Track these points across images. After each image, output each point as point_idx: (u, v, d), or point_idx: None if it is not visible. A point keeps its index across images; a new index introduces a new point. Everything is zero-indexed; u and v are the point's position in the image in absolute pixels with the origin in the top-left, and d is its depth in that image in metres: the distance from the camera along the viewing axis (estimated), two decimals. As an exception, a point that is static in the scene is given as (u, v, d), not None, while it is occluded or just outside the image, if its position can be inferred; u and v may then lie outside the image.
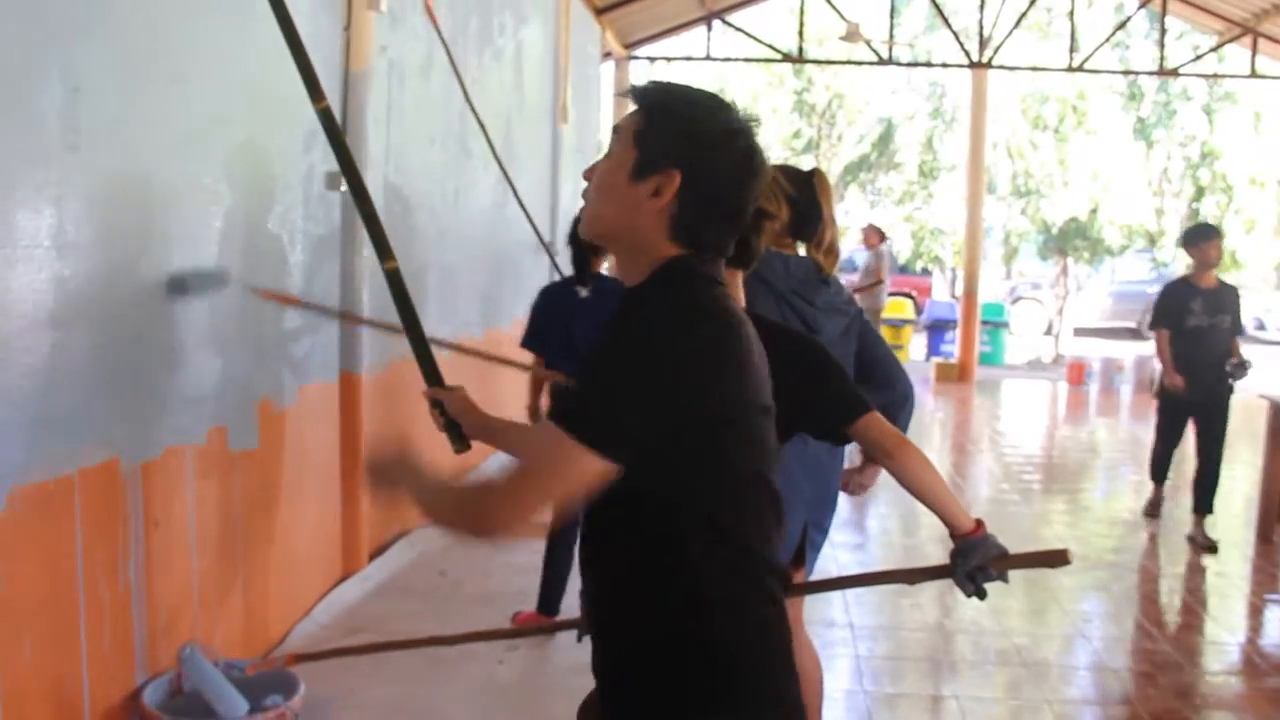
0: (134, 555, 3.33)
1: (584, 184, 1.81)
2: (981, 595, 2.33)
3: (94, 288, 3.10)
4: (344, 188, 3.56)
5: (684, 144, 1.68)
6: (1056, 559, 2.35)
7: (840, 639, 4.86)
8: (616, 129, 1.74)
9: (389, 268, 2.14)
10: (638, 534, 1.69)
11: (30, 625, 2.88)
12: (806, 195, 3.03)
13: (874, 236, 13.08)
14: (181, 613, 3.64)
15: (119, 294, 3.23)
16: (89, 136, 3.02)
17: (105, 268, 3.15)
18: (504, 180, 6.83)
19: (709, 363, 1.62)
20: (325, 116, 2.14)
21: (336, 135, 2.15)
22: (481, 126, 6.33)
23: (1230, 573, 6.17)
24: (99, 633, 3.18)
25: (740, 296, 2.48)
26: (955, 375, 13.96)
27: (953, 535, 2.35)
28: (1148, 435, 7.50)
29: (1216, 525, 7.14)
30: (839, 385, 2.44)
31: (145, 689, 3.35)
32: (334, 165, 4.71)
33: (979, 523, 2.34)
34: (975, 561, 2.30)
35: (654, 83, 1.75)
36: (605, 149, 1.79)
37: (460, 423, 2.36)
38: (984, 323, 14.91)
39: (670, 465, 1.63)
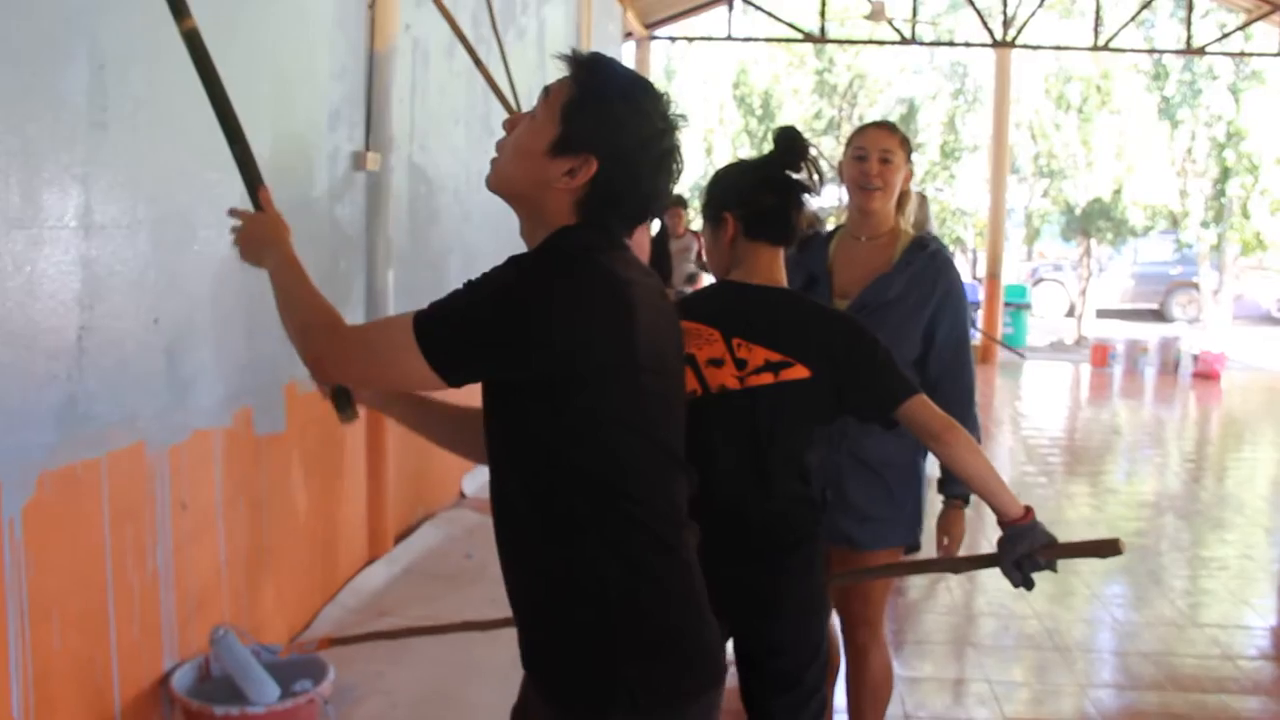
0: (162, 539, 3.32)
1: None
2: (1029, 585, 2.27)
3: (121, 269, 3.09)
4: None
5: (609, 135, 1.69)
6: (1107, 549, 2.28)
7: (867, 623, 4.82)
8: (547, 91, 1.74)
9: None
10: (519, 484, 1.72)
11: (59, 610, 2.87)
12: None
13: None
14: (209, 596, 3.62)
15: (146, 275, 3.21)
16: (116, 115, 3.00)
17: (132, 249, 3.13)
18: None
19: (563, 313, 1.62)
20: (190, 39, 1.97)
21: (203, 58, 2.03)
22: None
23: (1258, 556, 6.11)
24: (128, 617, 3.17)
25: (781, 274, 2.43)
26: (977, 357, 13.87)
27: (1000, 522, 2.28)
28: (1171, 417, 7.43)
29: (1243, 507, 7.10)
30: (886, 368, 2.36)
31: (174, 673, 3.33)
32: (360, 145, 4.72)
33: (1028, 509, 2.27)
34: (1023, 549, 2.23)
35: (594, 58, 1.75)
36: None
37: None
38: (1006, 304, 14.82)
39: (525, 409, 1.66)
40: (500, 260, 1.69)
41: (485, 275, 1.66)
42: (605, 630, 1.68)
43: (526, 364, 1.63)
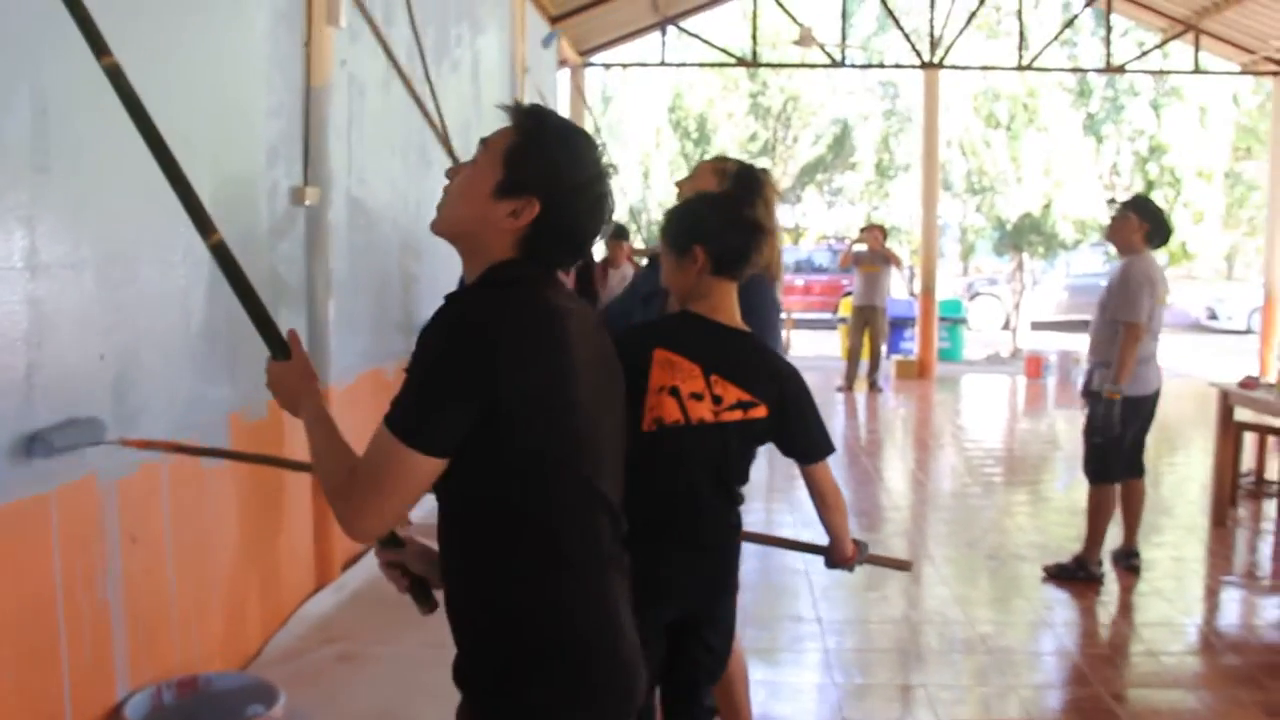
0: (112, 571, 3.36)
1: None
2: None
3: (67, 307, 3.14)
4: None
5: (550, 178, 1.81)
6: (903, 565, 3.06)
7: (809, 633, 4.94)
8: (485, 142, 1.86)
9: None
10: (456, 517, 1.83)
11: (10, 643, 2.91)
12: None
13: (880, 234, 13.13)
14: (160, 626, 3.67)
15: (91, 313, 3.27)
16: (58, 158, 3.06)
17: (77, 288, 3.19)
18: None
19: (509, 354, 1.71)
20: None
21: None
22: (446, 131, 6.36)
23: (1187, 556, 6.32)
24: (79, 648, 3.21)
25: (735, 310, 2.69)
26: (915, 372, 14.12)
27: (829, 557, 2.94)
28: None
29: (1173, 511, 7.30)
30: (818, 424, 2.74)
31: (127, 703, 3.38)
32: (298, 181, 4.80)
33: (856, 547, 2.95)
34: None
35: (534, 108, 1.88)
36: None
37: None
38: (942, 319, 15.05)
39: (466, 453, 1.73)
40: (436, 288, 1.78)
41: (423, 344, 1.73)
42: (508, 649, 1.78)
43: (493, 409, 1.70)
